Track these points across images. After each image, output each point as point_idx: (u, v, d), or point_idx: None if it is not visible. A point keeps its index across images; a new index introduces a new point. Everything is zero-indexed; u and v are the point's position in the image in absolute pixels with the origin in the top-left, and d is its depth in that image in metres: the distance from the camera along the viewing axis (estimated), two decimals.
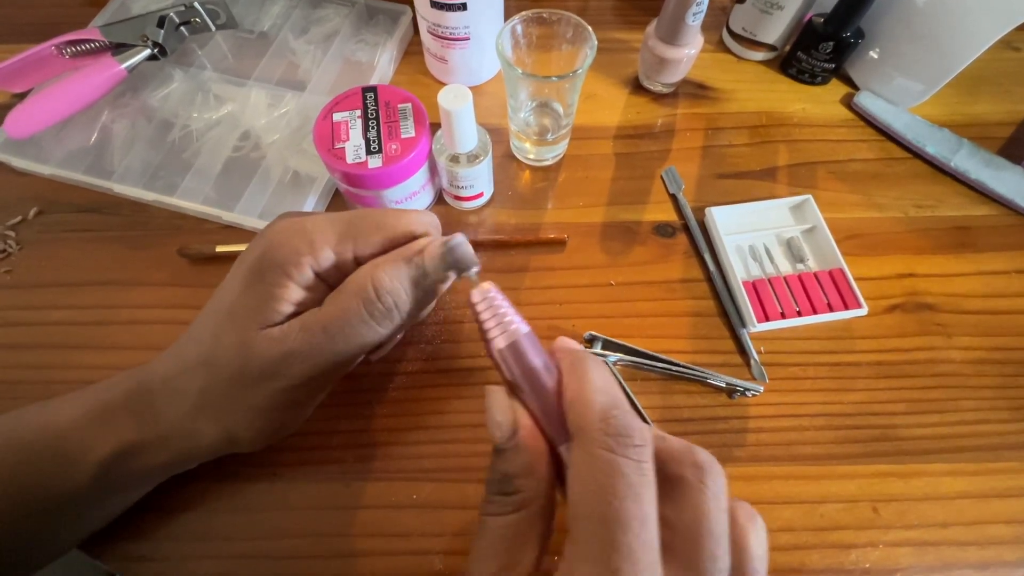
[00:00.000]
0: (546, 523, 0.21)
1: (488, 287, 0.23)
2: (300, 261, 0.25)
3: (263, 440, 0.28)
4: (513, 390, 0.22)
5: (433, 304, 0.31)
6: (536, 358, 0.22)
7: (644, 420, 0.33)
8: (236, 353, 0.25)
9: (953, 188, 0.42)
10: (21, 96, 0.43)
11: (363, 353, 0.26)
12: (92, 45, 0.42)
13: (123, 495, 0.28)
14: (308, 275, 0.25)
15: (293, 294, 0.25)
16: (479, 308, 0.23)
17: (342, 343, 0.25)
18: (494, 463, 0.21)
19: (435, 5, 0.39)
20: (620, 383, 0.34)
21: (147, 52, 0.42)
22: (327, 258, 0.26)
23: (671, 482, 0.20)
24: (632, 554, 0.17)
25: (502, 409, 0.21)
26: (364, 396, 0.34)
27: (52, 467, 0.25)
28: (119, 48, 0.42)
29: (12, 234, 0.39)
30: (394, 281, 0.25)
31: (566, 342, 0.24)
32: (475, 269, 0.25)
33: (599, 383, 0.20)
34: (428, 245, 0.25)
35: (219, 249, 0.38)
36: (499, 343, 0.22)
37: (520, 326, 0.22)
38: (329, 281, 0.26)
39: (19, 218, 0.40)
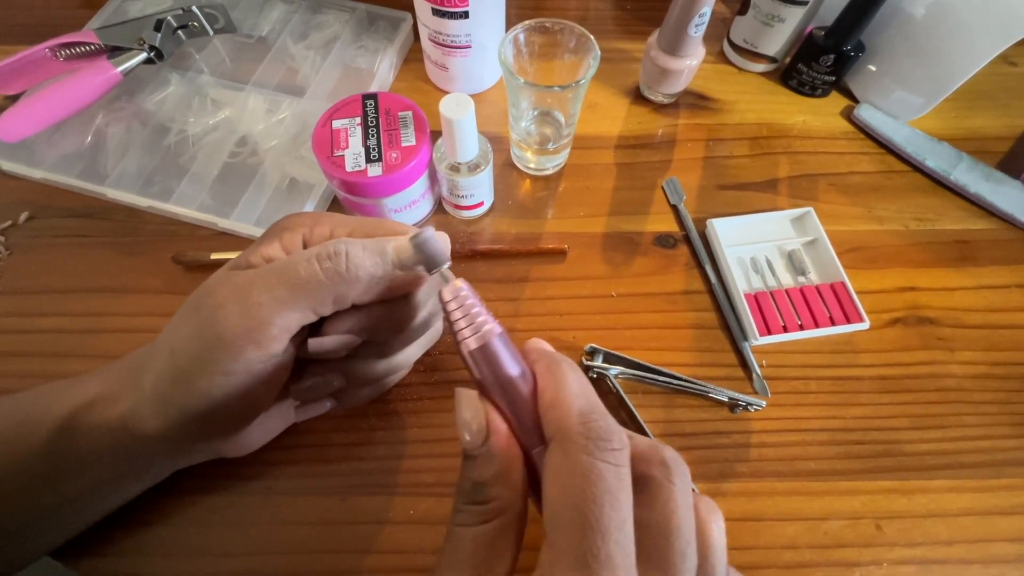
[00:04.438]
0: (520, 531, 0.20)
1: (460, 285, 0.22)
2: (296, 230, 0.26)
3: (167, 415, 0.24)
4: (485, 393, 0.21)
5: (427, 339, 0.30)
6: (509, 360, 0.21)
7: (645, 436, 0.33)
8: (196, 294, 0.24)
9: (953, 202, 0.42)
10: (13, 99, 0.42)
11: (302, 319, 0.24)
12: (87, 48, 0.42)
13: (81, 473, 0.26)
14: (297, 242, 0.26)
15: (272, 251, 0.25)
16: (450, 307, 0.22)
17: (278, 282, 0.23)
18: (465, 470, 0.21)
19: (437, 13, 0.39)
20: (623, 398, 0.34)
21: (143, 56, 0.42)
22: (321, 235, 0.26)
23: (640, 481, 0.20)
24: (611, 560, 0.17)
25: (473, 412, 0.21)
26: (361, 409, 0.34)
27: (11, 431, 0.25)
28: (115, 51, 0.42)
29: (2, 239, 0.39)
30: (355, 243, 0.24)
31: (539, 343, 0.23)
32: (447, 265, 0.24)
33: (577, 387, 0.20)
34: (400, 237, 0.25)
35: (214, 256, 0.37)
36: (470, 344, 0.21)
37: (493, 326, 0.21)
38: None
39: (9, 223, 0.39)
